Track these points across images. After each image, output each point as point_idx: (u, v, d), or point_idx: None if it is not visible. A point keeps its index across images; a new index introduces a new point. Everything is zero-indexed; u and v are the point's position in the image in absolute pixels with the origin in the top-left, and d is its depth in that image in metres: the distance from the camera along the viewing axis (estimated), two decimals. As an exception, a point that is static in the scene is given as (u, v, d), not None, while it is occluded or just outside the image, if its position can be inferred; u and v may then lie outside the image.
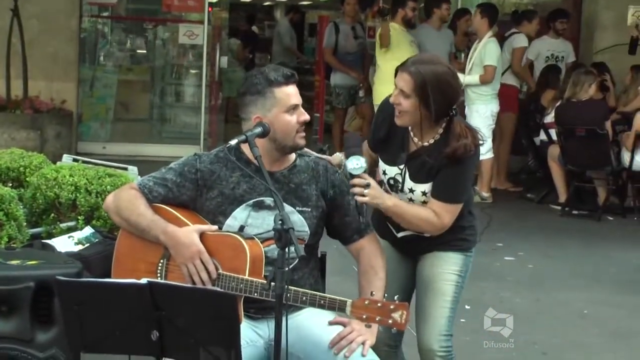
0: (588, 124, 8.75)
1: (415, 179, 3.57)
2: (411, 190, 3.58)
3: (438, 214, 3.51)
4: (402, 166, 3.60)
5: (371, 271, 3.46)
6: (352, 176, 3.36)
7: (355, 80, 10.70)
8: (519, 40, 10.09)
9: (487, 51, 9.10)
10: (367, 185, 3.35)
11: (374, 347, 3.36)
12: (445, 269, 3.67)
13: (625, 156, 8.99)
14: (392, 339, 3.80)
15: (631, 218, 8.96)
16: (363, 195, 3.34)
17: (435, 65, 3.50)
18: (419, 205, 3.56)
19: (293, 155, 3.52)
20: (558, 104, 9.17)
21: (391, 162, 3.63)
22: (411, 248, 3.74)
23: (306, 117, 3.44)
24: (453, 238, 3.66)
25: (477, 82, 9.09)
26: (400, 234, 3.71)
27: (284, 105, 3.38)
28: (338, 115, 11.14)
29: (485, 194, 9.34)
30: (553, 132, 9.35)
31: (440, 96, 3.44)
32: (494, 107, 9.20)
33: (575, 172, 9.20)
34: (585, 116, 8.80)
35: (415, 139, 3.59)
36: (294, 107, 3.41)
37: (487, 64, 9.09)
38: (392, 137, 3.62)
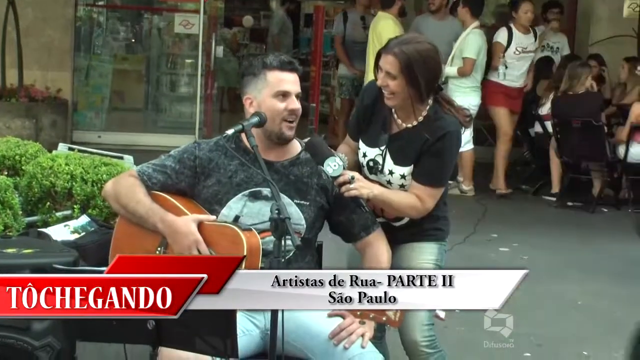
0: (584, 116, 8.76)
1: (396, 160, 3.57)
2: (390, 172, 3.57)
3: (421, 199, 3.51)
4: (383, 147, 3.59)
5: (377, 268, 3.43)
6: (334, 178, 3.36)
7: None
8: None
9: (467, 43, 8.91)
10: (352, 179, 3.34)
11: None
12: (422, 260, 3.66)
13: (620, 148, 8.99)
14: (376, 330, 3.78)
15: (625, 210, 8.97)
16: (351, 190, 3.33)
17: (417, 44, 3.53)
18: (401, 192, 3.55)
19: (298, 148, 3.51)
20: (553, 95, 9.17)
21: (373, 144, 3.61)
22: (388, 237, 3.69)
23: (295, 106, 3.39)
24: (428, 227, 3.67)
25: (455, 74, 8.88)
26: (397, 224, 3.68)
27: (273, 88, 3.38)
28: (343, 106, 10.82)
29: (466, 187, 9.22)
30: (549, 124, 9.35)
31: (426, 72, 3.48)
32: (472, 99, 8.81)
33: (570, 164, 9.22)
34: (581, 108, 8.80)
35: (399, 121, 3.59)
36: (284, 94, 3.39)
37: (465, 56, 8.89)
38: (375, 119, 3.62)
